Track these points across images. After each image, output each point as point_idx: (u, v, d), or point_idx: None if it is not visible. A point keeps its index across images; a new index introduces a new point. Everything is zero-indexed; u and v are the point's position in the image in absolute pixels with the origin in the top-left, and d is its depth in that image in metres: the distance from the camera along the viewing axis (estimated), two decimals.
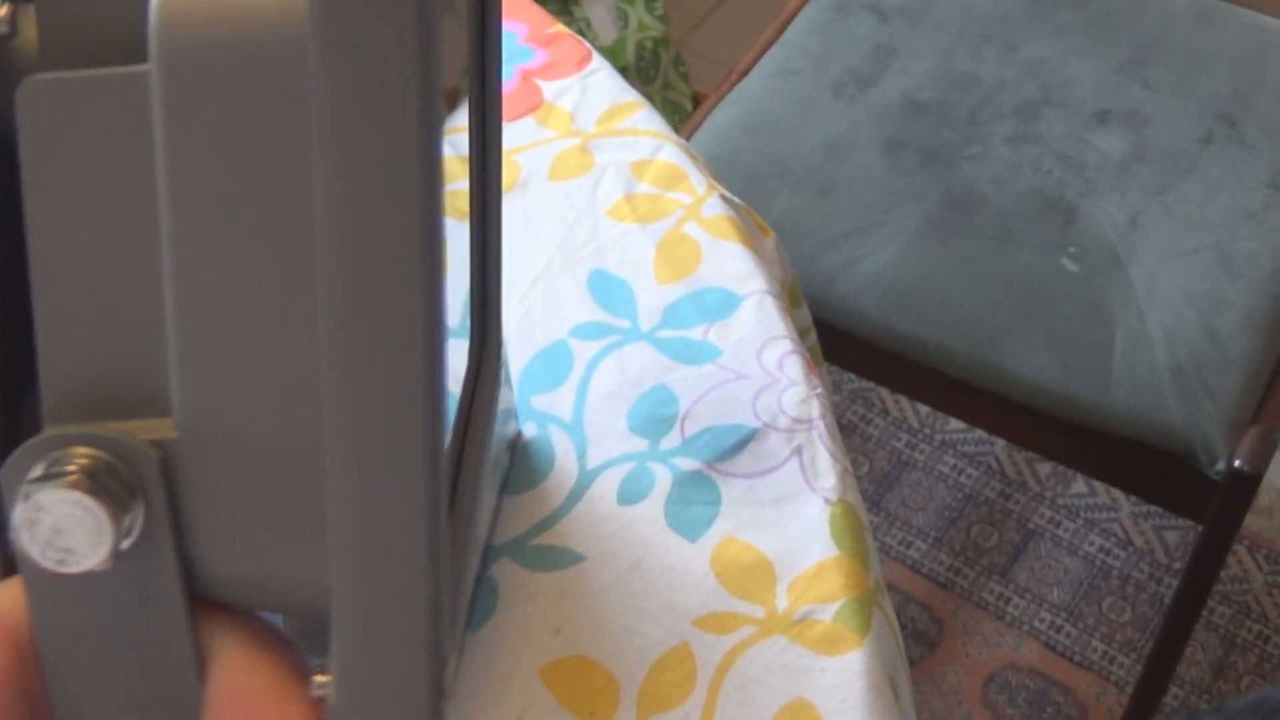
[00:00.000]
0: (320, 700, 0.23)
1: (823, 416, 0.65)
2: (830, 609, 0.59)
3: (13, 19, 0.23)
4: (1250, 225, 1.14)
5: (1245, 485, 1.02)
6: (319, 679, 0.23)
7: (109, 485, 0.22)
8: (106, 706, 0.24)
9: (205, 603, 0.24)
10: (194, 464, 0.22)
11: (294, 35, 0.19)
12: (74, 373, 0.23)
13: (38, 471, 0.22)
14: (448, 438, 0.21)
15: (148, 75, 0.21)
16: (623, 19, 1.82)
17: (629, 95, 0.78)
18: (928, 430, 1.64)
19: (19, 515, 0.21)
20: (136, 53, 0.21)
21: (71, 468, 0.22)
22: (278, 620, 0.25)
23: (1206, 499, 1.06)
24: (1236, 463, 1.02)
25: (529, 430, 0.65)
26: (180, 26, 0.20)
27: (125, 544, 0.22)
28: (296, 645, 0.25)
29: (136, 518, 0.22)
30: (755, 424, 0.64)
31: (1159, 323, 1.08)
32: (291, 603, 0.23)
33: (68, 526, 0.21)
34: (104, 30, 0.21)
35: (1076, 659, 1.48)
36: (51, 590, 0.23)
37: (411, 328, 0.19)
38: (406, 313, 0.19)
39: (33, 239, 0.22)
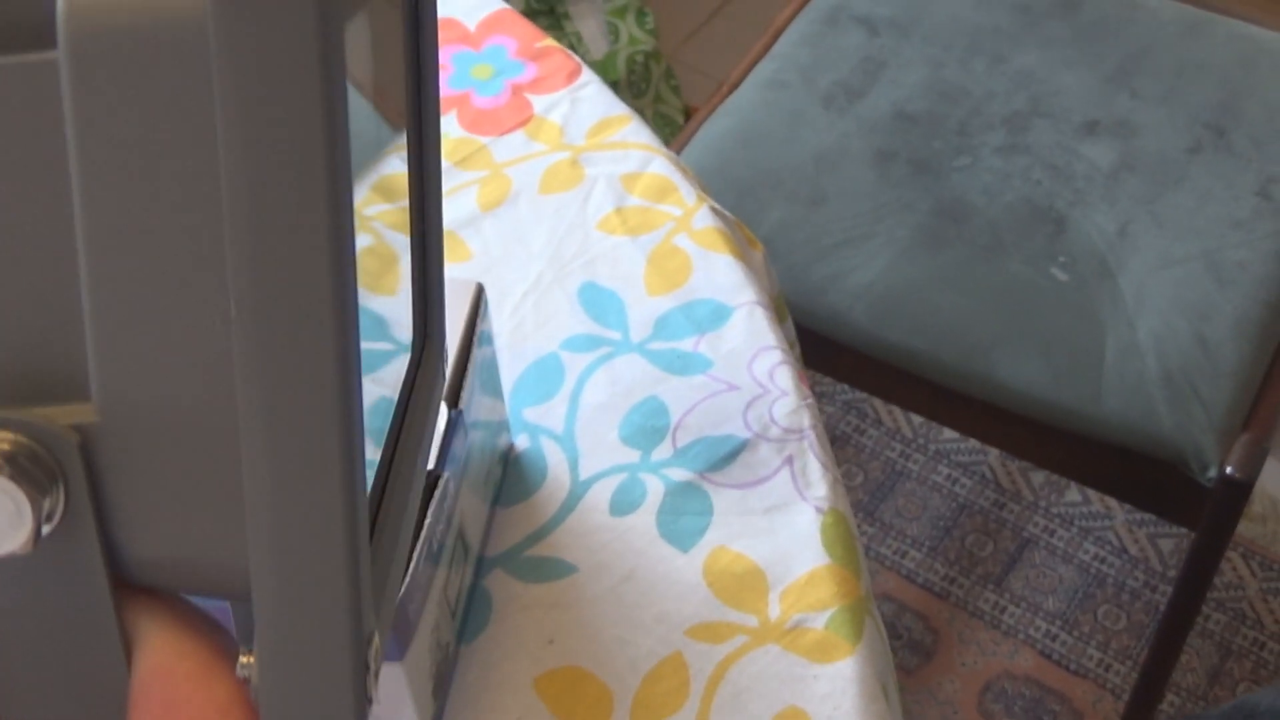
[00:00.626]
0: (246, 680, 0.24)
1: (813, 426, 0.65)
2: (822, 617, 0.59)
3: None
4: (1239, 234, 1.14)
5: (1237, 492, 1.03)
6: (244, 660, 0.23)
7: (29, 470, 0.22)
8: (33, 690, 0.24)
9: (130, 586, 0.24)
10: (114, 447, 0.22)
11: (200, 17, 0.20)
12: None
13: None
14: (364, 416, 0.21)
15: (56, 63, 0.21)
16: (614, 33, 1.83)
17: (619, 109, 0.79)
18: (921, 440, 1.65)
19: None
20: (41, 40, 0.21)
21: None
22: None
23: (1199, 506, 1.06)
24: (1228, 470, 1.02)
25: (521, 442, 0.65)
26: (88, 13, 0.20)
27: (46, 528, 0.22)
28: (223, 627, 0.25)
29: (58, 502, 0.22)
30: (747, 434, 0.65)
31: (1149, 331, 1.09)
32: (215, 585, 0.23)
33: None
34: (6, 17, 0.22)
35: (1072, 667, 1.48)
36: None
37: (320, 303, 0.20)
38: (314, 288, 0.20)
39: None
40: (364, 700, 0.23)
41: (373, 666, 0.23)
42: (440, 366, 0.30)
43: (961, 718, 1.44)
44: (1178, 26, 1.31)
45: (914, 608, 1.52)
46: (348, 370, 0.20)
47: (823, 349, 1.14)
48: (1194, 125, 1.22)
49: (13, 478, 0.22)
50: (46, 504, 0.22)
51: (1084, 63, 1.27)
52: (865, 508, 1.59)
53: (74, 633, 0.24)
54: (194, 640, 0.24)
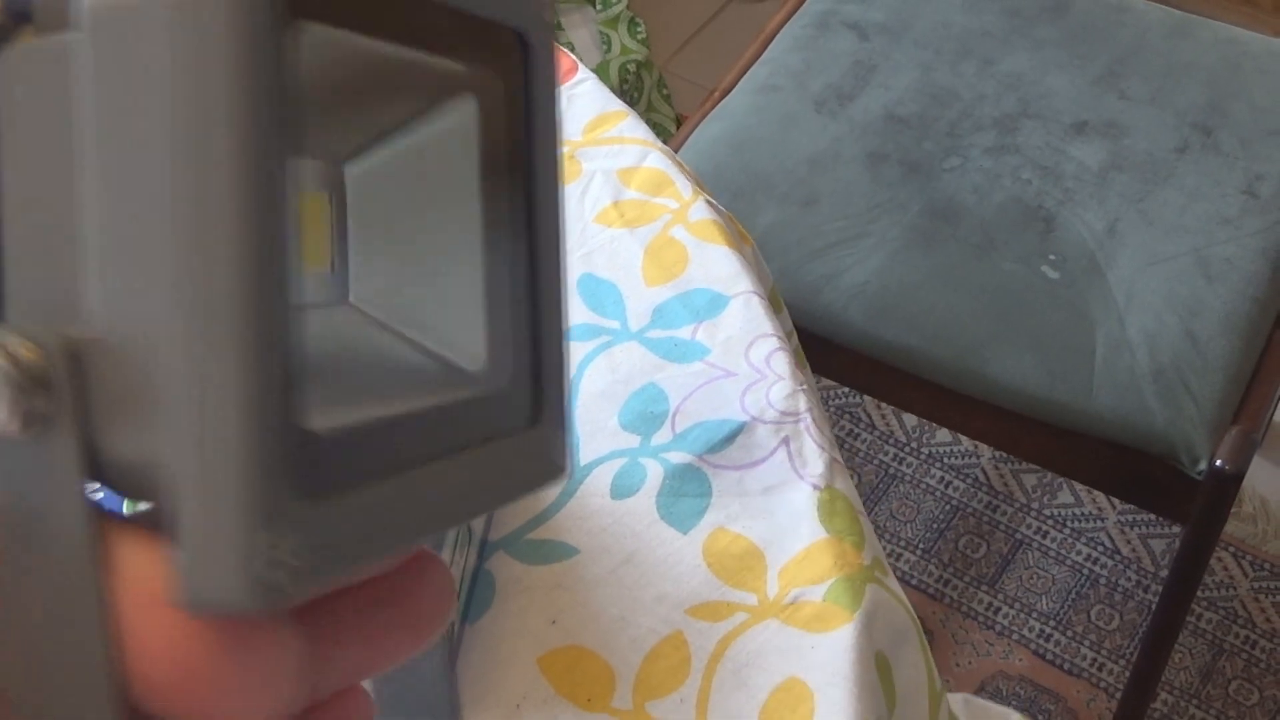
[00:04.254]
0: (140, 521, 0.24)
1: (810, 410, 0.66)
2: (820, 589, 0.60)
3: None
4: (1227, 230, 1.16)
5: (1227, 484, 1.04)
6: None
7: (22, 363, 0.23)
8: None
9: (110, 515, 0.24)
10: (98, 360, 0.24)
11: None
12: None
13: None
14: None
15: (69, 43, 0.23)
16: (606, 43, 1.84)
17: (614, 105, 0.80)
18: (914, 444, 1.66)
19: None
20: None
21: None
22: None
23: (1189, 499, 1.07)
24: (1218, 462, 1.03)
25: None
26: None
27: (23, 430, 0.24)
28: None
29: (40, 404, 0.24)
30: (744, 418, 0.66)
31: (1139, 327, 1.10)
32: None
33: None
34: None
35: (1066, 666, 1.49)
36: None
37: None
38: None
39: None
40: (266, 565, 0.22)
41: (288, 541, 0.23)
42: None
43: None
44: (1164, 30, 1.32)
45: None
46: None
47: (817, 348, 1.15)
48: (1182, 125, 1.24)
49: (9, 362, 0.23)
50: (29, 402, 0.23)
51: (1072, 65, 1.29)
52: None
53: (46, 542, 0.24)
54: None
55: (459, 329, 0.28)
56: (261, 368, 0.22)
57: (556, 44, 0.30)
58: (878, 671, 0.60)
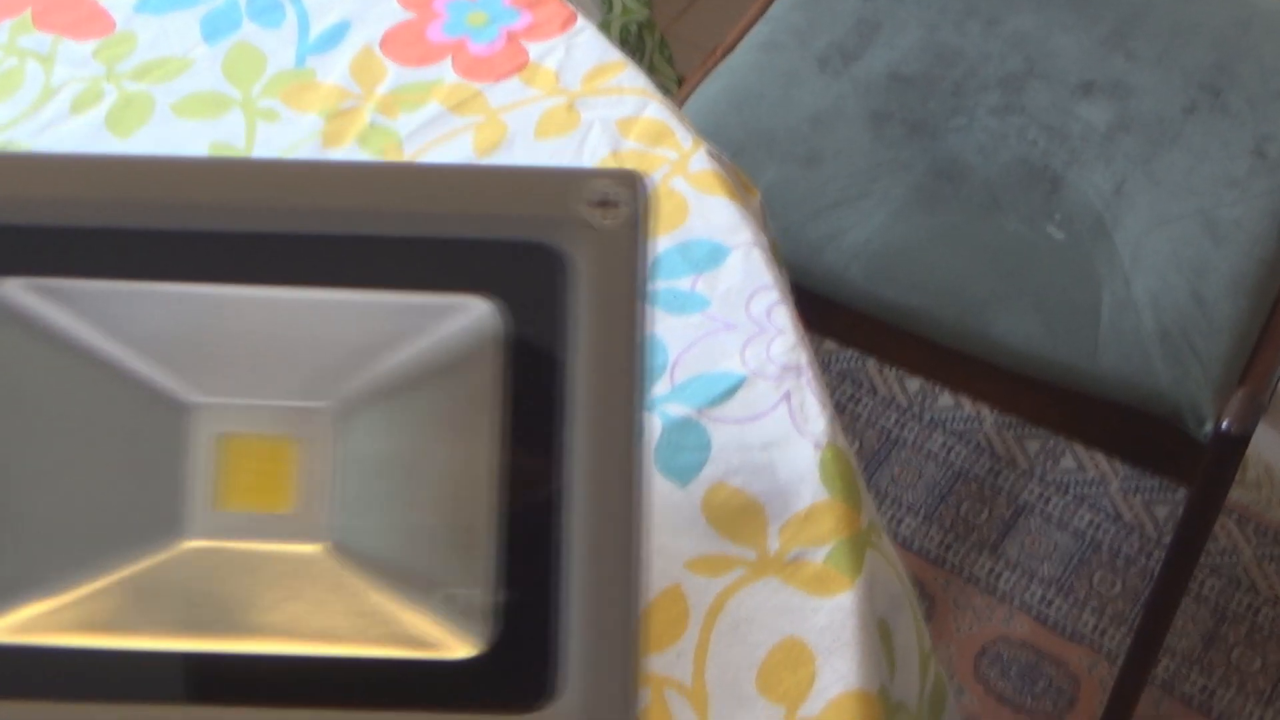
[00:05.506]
0: None
1: (811, 364, 0.65)
2: (821, 551, 0.59)
3: None
4: (1235, 192, 1.14)
5: (1232, 447, 1.03)
6: None
7: None
8: None
9: None
10: None
11: None
12: None
13: None
14: None
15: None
16: (607, 3, 1.82)
17: (613, 55, 0.79)
18: (916, 409, 1.65)
19: None
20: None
21: None
22: None
23: (1194, 462, 1.06)
24: (1224, 424, 1.02)
25: None
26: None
27: None
28: None
29: None
30: (744, 371, 0.64)
31: (1145, 288, 1.09)
32: None
33: None
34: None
35: (1068, 632, 1.48)
36: None
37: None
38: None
39: None
40: None
41: None
42: None
43: (957, 683, 1.44)
44: None
45: (909, 574, 1.52)
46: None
47: (819, 308, 1.13)
48: (1189, 86, 1.22)
49: None
50: None
51: (1079, 25, 1.27)
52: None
53: None
54: None
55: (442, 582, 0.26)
56: None
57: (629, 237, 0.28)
58: (880, 638, 0.59)
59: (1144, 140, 1.18)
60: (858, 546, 0.59)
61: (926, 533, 1.55)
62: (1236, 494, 1.58)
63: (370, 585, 0.24)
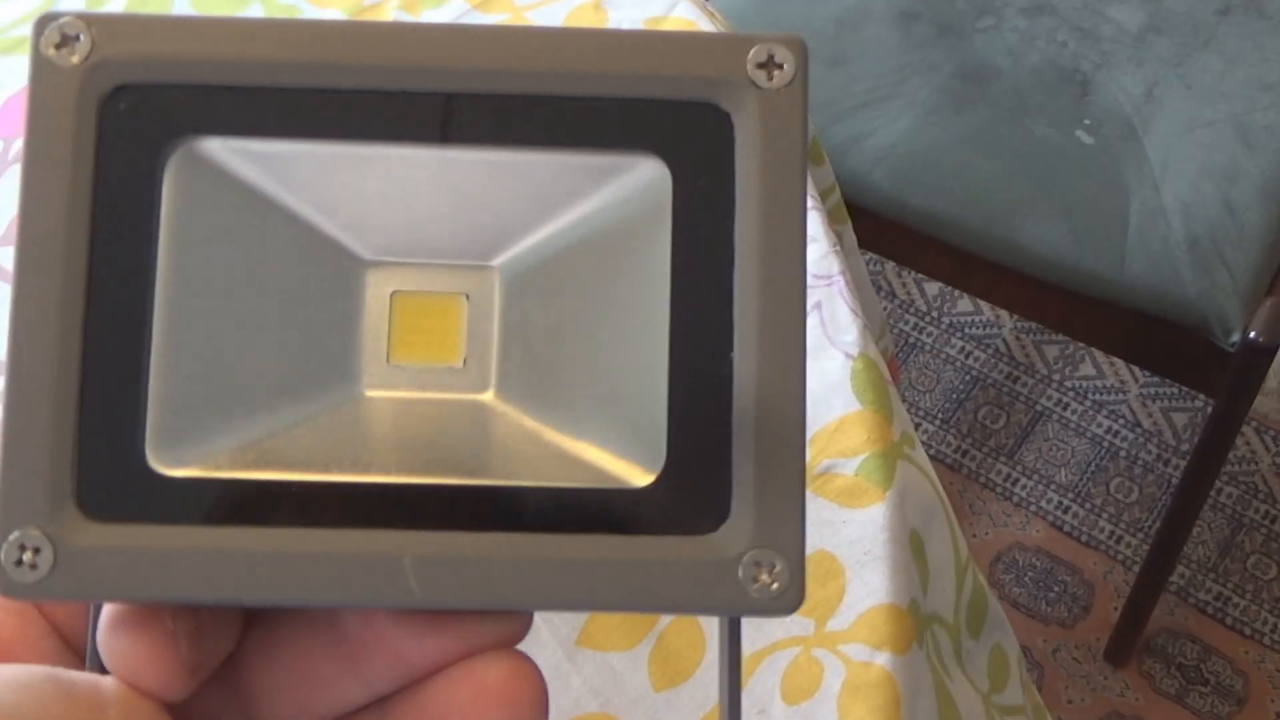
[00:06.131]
0: None
1: (843, 273, 0.64)
2: (853, 463, 0.58)
3: None
4: (1269, 97, 1.12)
5: (1260, 356, 1.02)
6: None
7: None
8: None
9: None
10: None
11: None
12: None
13: None
14: None
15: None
16: None
17: None
18: (935, 313, 1.64)
19: None
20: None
21: None
22: None
23: (1220, 372, 1.05)
24: (1252, 334, 1.01)
25: None
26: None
27: None
28: None
29: None
30: None
31: (1175, 195, 1.07)
32: None
33: None
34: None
35: (1084, 539, 1.48)
36: None
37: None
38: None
39: None
40: None
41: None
42: None
43: None
44: None
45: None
46: None
47: None
48: None
49: None
50: None
51: None
52: None
53: None
54: None
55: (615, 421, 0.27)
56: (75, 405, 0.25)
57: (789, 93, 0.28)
58: (911, 550, 0.58)
59: (1176, 43, 1.16)
60: (890, 458, 0.58)
61: (944, 438, 1.55)
62: (1256, 402, 1.57)
63: (543, 425, 0.25)
